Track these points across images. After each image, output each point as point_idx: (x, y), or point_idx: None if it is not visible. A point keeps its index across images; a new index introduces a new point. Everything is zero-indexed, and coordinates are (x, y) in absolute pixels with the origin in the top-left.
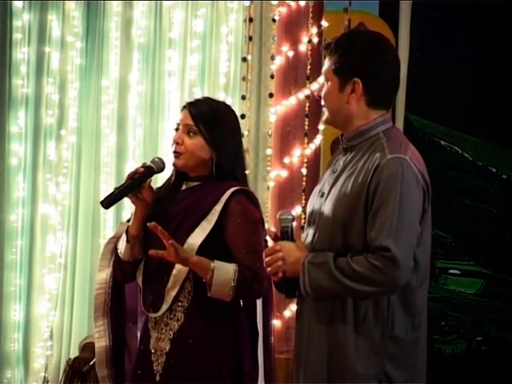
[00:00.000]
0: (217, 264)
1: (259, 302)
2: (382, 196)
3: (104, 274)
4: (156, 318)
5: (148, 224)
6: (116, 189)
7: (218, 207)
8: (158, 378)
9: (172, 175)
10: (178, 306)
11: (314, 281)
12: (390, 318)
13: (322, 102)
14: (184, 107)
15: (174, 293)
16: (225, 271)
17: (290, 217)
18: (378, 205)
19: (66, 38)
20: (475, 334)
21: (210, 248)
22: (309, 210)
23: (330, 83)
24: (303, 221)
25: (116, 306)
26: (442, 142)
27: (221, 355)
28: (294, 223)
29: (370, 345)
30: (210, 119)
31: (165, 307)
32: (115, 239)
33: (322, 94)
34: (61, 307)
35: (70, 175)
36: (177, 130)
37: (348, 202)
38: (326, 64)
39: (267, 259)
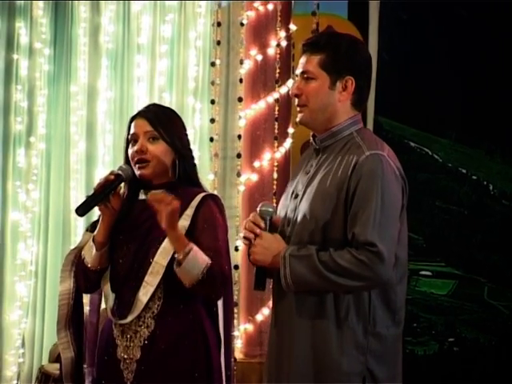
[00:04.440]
0: (194, 246)
1: (221, 309)
2: (364, 192)
3: (66, 285)
4: (123, 325)
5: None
6: (89, 197)
7: (190, 212)
8: None
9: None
10: (147, 313)
11: (295, 274)
12: (371, 314)
13: (298, 102)
14: (135, 117)
15: (145, 299)
16: (198, 259)
17: (270, 209)
18: (360, 201)
19: (34, 44)
20: (447, 336)
21: None
22: (282, 212)
23: (317, 80)
24: None
25: (77, 317)
26: (412, 144)
27: (193, 360)
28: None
29: (354, 342)
30: (166, 122)
31: (135, 314)
32: (76, 250)
33: (305, 91)
34: (32, 314)
35: (40, 182)
36: (131, 142)
37: (327, 200)
38: (309, 61)
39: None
